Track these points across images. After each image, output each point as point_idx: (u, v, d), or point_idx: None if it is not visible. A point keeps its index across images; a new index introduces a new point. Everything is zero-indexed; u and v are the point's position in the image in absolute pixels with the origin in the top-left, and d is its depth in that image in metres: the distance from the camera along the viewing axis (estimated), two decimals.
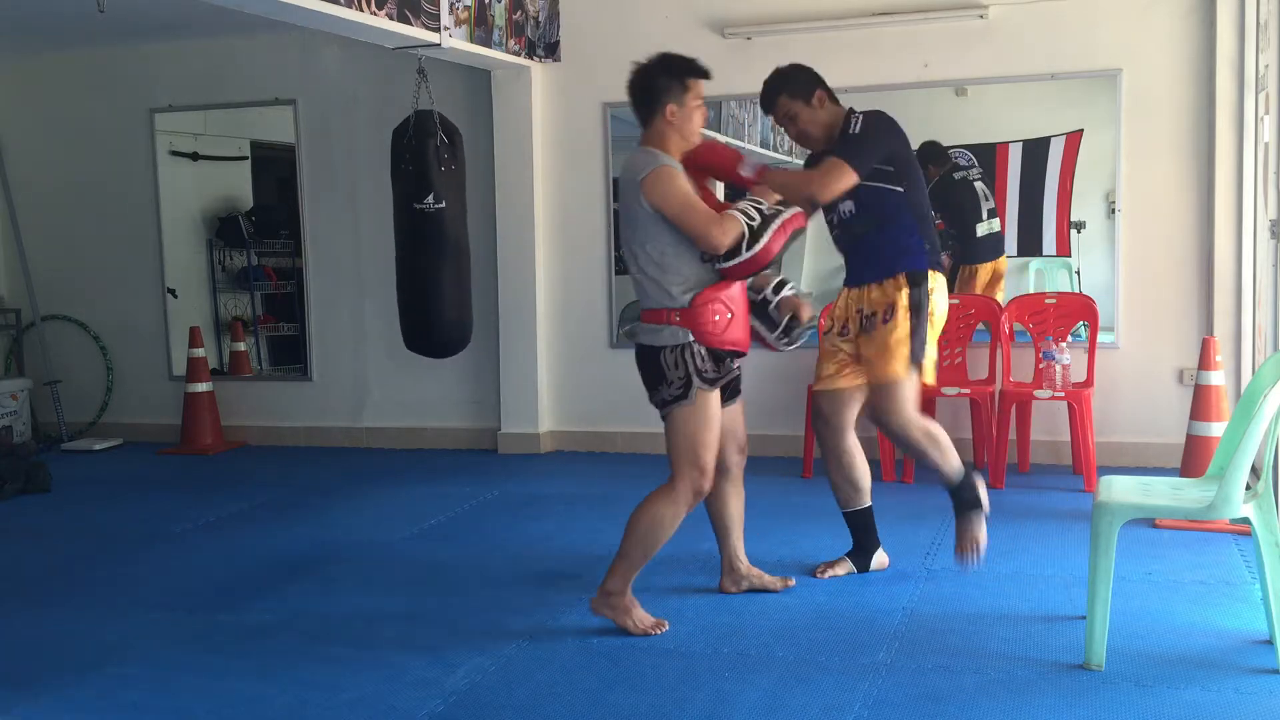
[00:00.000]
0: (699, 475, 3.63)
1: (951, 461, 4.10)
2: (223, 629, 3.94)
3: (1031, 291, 6.42)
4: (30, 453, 7.16)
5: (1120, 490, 3.47)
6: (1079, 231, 6.34)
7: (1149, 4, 5.82)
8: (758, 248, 3.53)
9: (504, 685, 3.35)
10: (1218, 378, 5.02)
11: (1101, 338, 5.84)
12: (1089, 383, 5.69)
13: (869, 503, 4.33)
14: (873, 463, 5.93)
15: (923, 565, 4.38)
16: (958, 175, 6.40)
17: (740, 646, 3.59)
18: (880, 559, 4.36)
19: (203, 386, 7.39)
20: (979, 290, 6.34)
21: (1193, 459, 4.97)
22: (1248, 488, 3.24)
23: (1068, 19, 5.92)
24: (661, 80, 3.61)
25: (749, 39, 6.29)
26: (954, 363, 6.01)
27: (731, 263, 3.55)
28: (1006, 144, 6.43)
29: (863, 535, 4.35)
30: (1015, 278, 6.59)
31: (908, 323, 4.04)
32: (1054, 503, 5.30)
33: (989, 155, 6.44)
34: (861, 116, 4.05)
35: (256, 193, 8.65)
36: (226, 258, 8.43)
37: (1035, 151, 6.37)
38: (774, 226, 3.56)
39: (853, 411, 4.24)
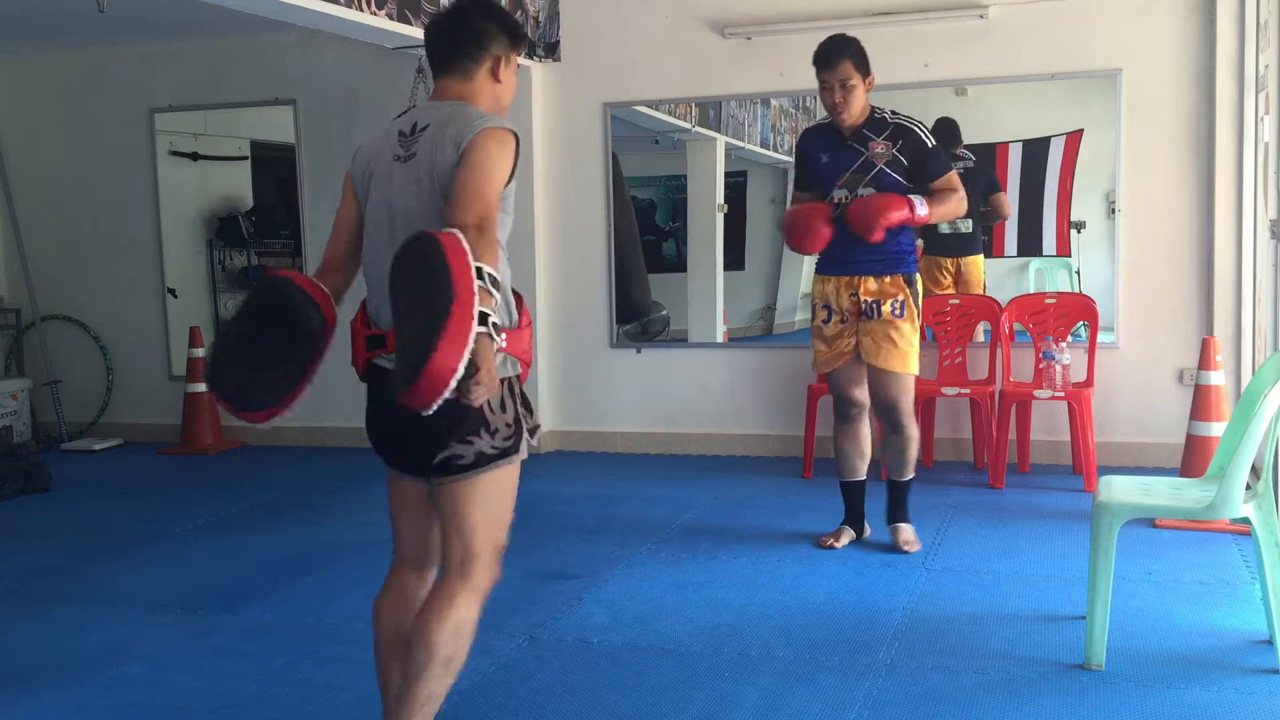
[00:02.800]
0: (498, 560, 2.64)
1: (910, 463, 4.53)
2: (223, 629, 3.94)
3: (1031, 291, 6.42)
4: (30, 453, 7.17)
5: (1120, 490, 3.47)
6: (1079, 231, 6.34)
7: (1149, 4, 5.82)
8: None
9: (504, 685, 3.35)
10: (1218, 378, 5.01)
11: (1101, 338, 5.84)
12: (1089, 383, 5.69)
13: (862, 477, 4.68)
14: (873, 463, 5.96)
15: (923, 565, 4.38)
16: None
17: (740, 646, 3.59)
18: (865, 529, 4.74)
19: (203, 386, 7.38)
20: (942, 286, 6.33)
21: (1193, 459, 4.97)
22: (1248, 488, 3.24)
23: (1068, 19, 5.92)
24: (494, 21, 2.69)
25: (749, 39, 6.29)
26: (954, 363, 6.01)
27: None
28: (1006, 144, 6.43)
29: (856, 503, 4.70)
30: (1015, 278, 6.60)
31: (917, 321, 4.38)
32: (1054, 503, 5.30)
33: (989, 155, 6.44)
34: (923, 128, 4.38)
35: (256, 193, 8.65)
36: (226, 258, 8.42)
37: (1035, 151, 6.37)
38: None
39: (864, 383, 4.50)
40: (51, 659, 3.70)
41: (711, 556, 4.57)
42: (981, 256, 6.41)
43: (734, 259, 7.36)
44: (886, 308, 4.34)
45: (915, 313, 4.38)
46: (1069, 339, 5.84)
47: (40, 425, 7.78)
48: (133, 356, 7.80)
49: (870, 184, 4.31)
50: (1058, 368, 5.55)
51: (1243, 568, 4.21)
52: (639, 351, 6.73)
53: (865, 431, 4.60)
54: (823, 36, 6.09)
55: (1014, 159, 6.42)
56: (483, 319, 2.25)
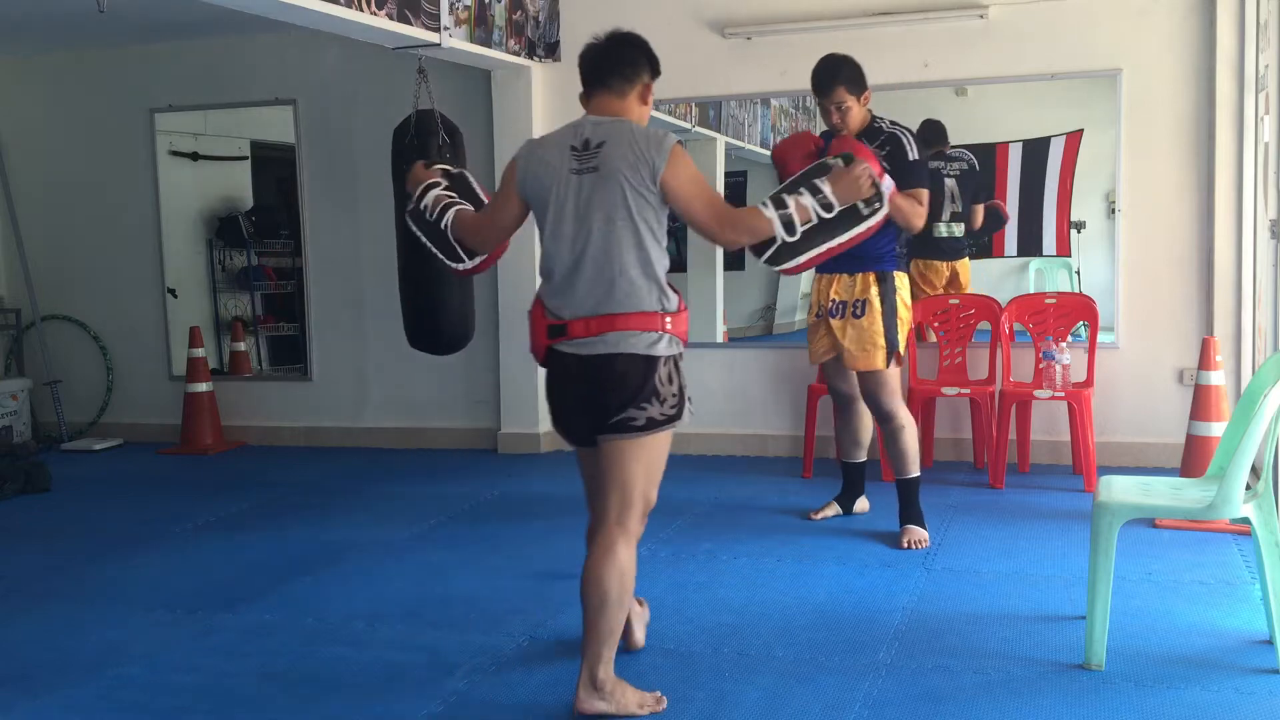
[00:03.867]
0: (647, 514, 3.18)
1: (915, 460, 4.66)
2: (223, 629, 3.94)
3: (1031, 291, 6.42)
4: (30, 453, 7.17)
5: (1120, 490, 3.47)
6: (1079, 231, 6.34)
7: (1149, 4, 5.81)
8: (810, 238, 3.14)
9: (504, 685, 3.35)
10: (1218, 378, 5.01)
11: (1101, 338, 5.84)
12: (1089, 383, 5.69)
13: (865, 459, 5.01)
14: (873, 463, 5.96)
15: (923, 565, 4.38)
16: (932, 165, 6.35)
17: (740, 646, 3.59)
18: (862, 504, 5.06)
19: (203, 386, 7.39)
20: (936, 288, 6.36)
21: (1193, 459, 4.97)
22: (1248, 488, 3.24)
23: (1068, 19, 5.92)
24: (644, 54, 3.26)
25: (749, 39, 6.29)
26: (954, 363, 6.02)
27: (770, 252, 3.17)
28: (1006, 144, 6.43)
29: (853, 483, 5.04)
30: (1015, 277, 6.60)
31: (880, 319, 4.56)
32: (1054, 503, 5.30)
33: (989, 155, 6.44)
34: (913, 139, 4.50)
35: (256, 193, 8.65)
36: (226, 258, 8.43)
37: (1035, 151, 6.37)
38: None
39: (853, 375, 4.76)
40: (51, 659, 3.70)
41: (711, 556, 4.57)
42: (968, 259, 6.47)
43: (734, 259, 7.35)
44: (849, 309, 4.61)
45: (880, 310, 4.57)
46: (1069, 339, 5.84)
47: (40, 425, 7.78)
48: (133, 356, 7.81)
49: None
50: (1058, 368, 5.54)
51: (1243, 568, 4.21)
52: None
53: (858, 420, 4.90)
54: (823, 37, 6.16)
55: (1014, 159, 6.42)
56: (826, 220, 3.15)
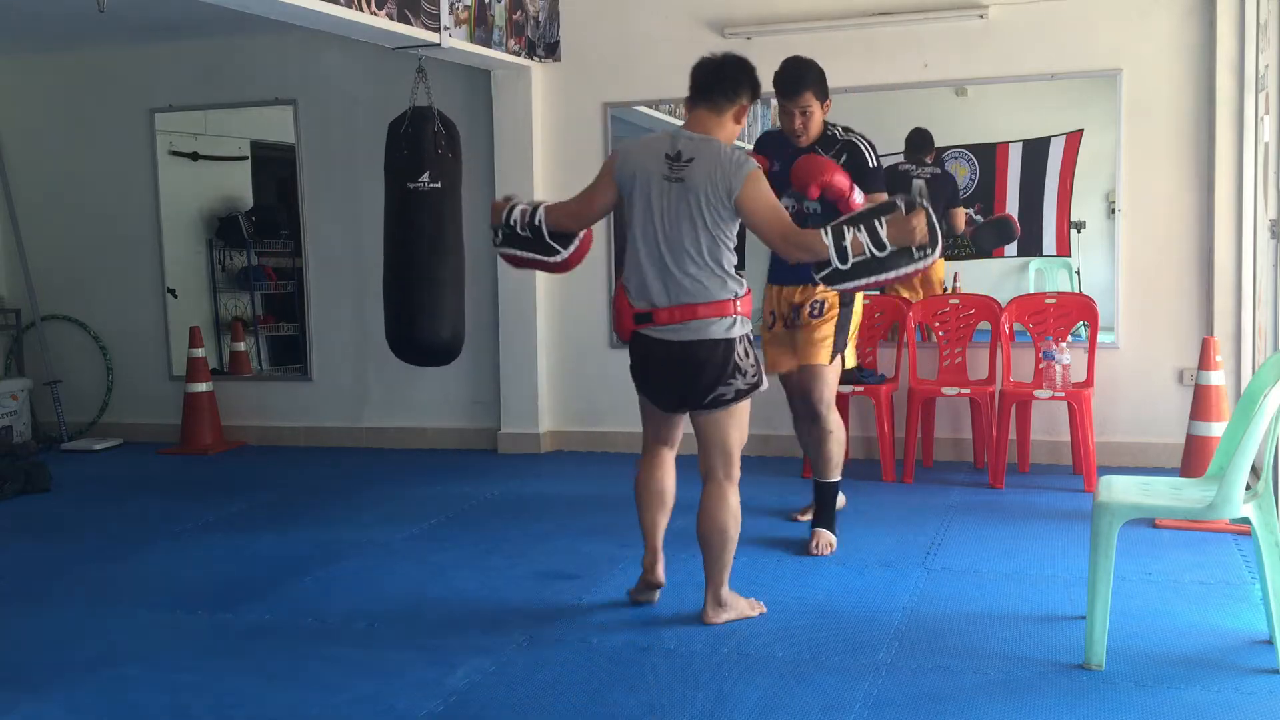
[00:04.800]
0: (740, 462, 3.75)
1: (838, 465, 4.69)
2: (223, 629, 3.94)
3: (1031, 291, 6.42)
4: (30, 453, 7.17)
5: (1120, 490, 3.47)
6: (1079, 231, 6.33)
7: (1149, 4, 5.81)
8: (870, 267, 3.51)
9: (504, 685, 3.35)
10: (1218, 378, 5.01)
11: (1101, 338, 5.84)
12: (1089, 383, 5.69)
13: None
14: (872, 463, 5.96)
15: (923, 565, 4.38)
16: (902, 168, 6.40)
17: (740, 646, 3.59)
18: (840, 500, 4.91)
19: (202, 386, 7.39)
20: (911, 290, 6.36)
21: (1193, 459, 4.97)
22: (1248, 488, 3.24)
23: (1068, 19, 5.92)
24: (746, 78, 3.68)
25: (749, 39, 6.29)
26: (954, 363, 6.02)
27: (825, 273, 3.55)
28: (1006, 144, 6.43)
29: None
30: (1015, 278, 6.59)
31: (834, 321, 4.62)
32: (1054, 503, 5.30)
33: (989, 155, 6.44)
34: (869, 145, 4.55)
35: (256, 193, 8.64)
36: (226, 258, 8.42)
37: (1035, 151, 6.37)
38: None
39: None
40: (52, 659, 3.70)
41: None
42: (942, 260, 6.47)
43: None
44: (805, 310, 4.64)
45: (838, 311, 4.61)
46: (1069, 339, 5.84)
47: (40, 425, 7.78)
48: (133, 356, 7.80)
49: (819, 198, 4.48)
50: (1058, 368, 5.54)
51: (1243, 568, 4.21)
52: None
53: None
54: (823, 37, 6.17)
55: (1014, 159, 6.42)
56: (878, 257, 3.49)
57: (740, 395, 3.63)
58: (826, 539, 4.61)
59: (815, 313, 4.62)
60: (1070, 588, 4.03)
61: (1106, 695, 3.14)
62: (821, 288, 4.54)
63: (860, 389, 5.88)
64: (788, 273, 4.60)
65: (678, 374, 3.62)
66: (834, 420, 4.66)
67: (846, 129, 4.62)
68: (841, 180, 4.33)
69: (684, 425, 3.87)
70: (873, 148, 4.57)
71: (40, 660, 3.70)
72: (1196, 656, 3.42)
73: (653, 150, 3.64)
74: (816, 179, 4.33)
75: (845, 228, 3.48)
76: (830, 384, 4.65)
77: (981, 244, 6.49)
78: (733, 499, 3.70)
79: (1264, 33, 5.30)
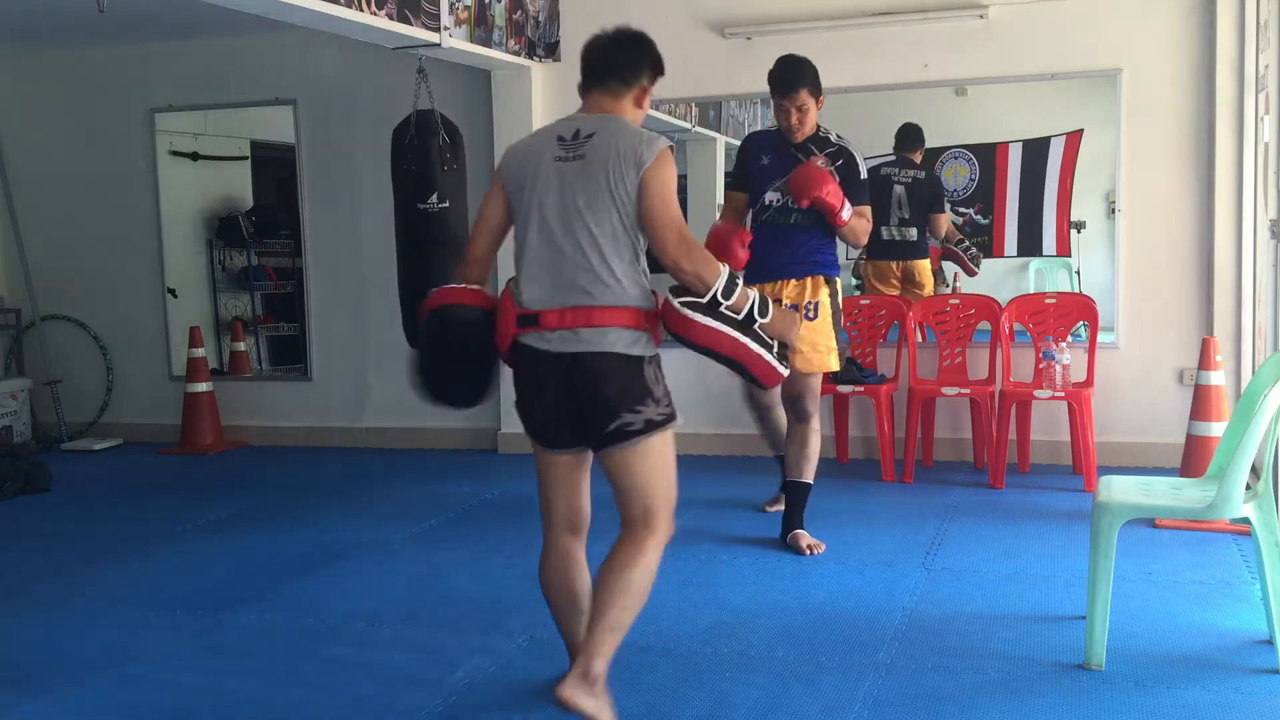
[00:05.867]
0: (673, 514, 3.01)
1: (813, 462, 4.68)
2: (223, 629, 3.94)
3: (1031, 291, 6.42)
4: (30, 453, 7.17)
5: (1120, 490, 3.47)
6: (1079, 231, 6.34)
7: (1149, 4, 5.81)
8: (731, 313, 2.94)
9: (504, 685, 3.35)
10: (1218, 378, 5.01)
11: (1101, 338, 5.83)
12: (1089, 383, 5.69)
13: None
14: (872, 463, 5.96)
15: (923, 565, 4.38)
16: (884, 172, 6.47)
17: (740, 646, 3.59)
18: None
19: (203, 386, 7.39)
20: (889, 286, 6.47)
21: (1193, 459, 4.97)
22: (1248, 488, 3.24)
23: (1068, 19, 5.91)
24: (647, 55, 3.08)
25: (749, 39, 6.29)
26: (954, 363, 6.02)
27: (700, 320, 2.92)
28: (1006, 144, 6.44)
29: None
30: (1015, 278, 6.60)
31: (830, 322, 4.61)
32: (1054, 503, 5.30)
33: (989, 155, 6.45)
34: (857, 156, 4.57)
35: (256, 193, 8.65)
36: (226, 258, 8.43)
37: (1035, 151, 6.37)
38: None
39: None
40: (52, 659, 3.70)
41: (711, 556, 4.57)
42: (927, 262, 6.56)
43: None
44: (802, 313, 4.58)
45: (830, 314, 4.61)
46: (1069, 339, 5.84)
47: (40, 425, 7.78)
48: (133, 356, 7.80)
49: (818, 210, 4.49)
50: (1058, 368, 5.54)
51: (1243, 568, 4.21)
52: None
53: (778, 415, 4.92)
54: (823, 37, 6.17)
55: (1014, 159, 6.43)
56: (749, 320, 2.95)
57: (651, 427, 2.88)
58: (808, 539, 4.60)
59: (811, 314, 4.62)
60: (1070, 588, 4.03)
61: (1106, 695, 3.14)
62: (812, 289, 4.61)
63: (860, 389, 5.88)
64: (774, 269, 4.62)
65: (568, 398, 2.87)
66: (818, 420, 4.76)
67: (839, 135, 4.66)
68: (834, 197, 4.37)
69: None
70: (859, 161, 4.59)
71: (40, 660, 3.70)
72: (1196, 656, 3.41)
73: (542, 139, 3.01)
74: (810, 192, 4.35)
75: (741, 282, 2.97)
76: (819, 387, 4.73)
77: (945, 254, 6.61)
78: (652, 557, 2.91)
79: (1264, 33, 5.30)
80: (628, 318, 2.86)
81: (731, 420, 6.59)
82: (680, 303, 2.91)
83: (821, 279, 4.61)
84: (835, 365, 4.67)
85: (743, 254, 4.33)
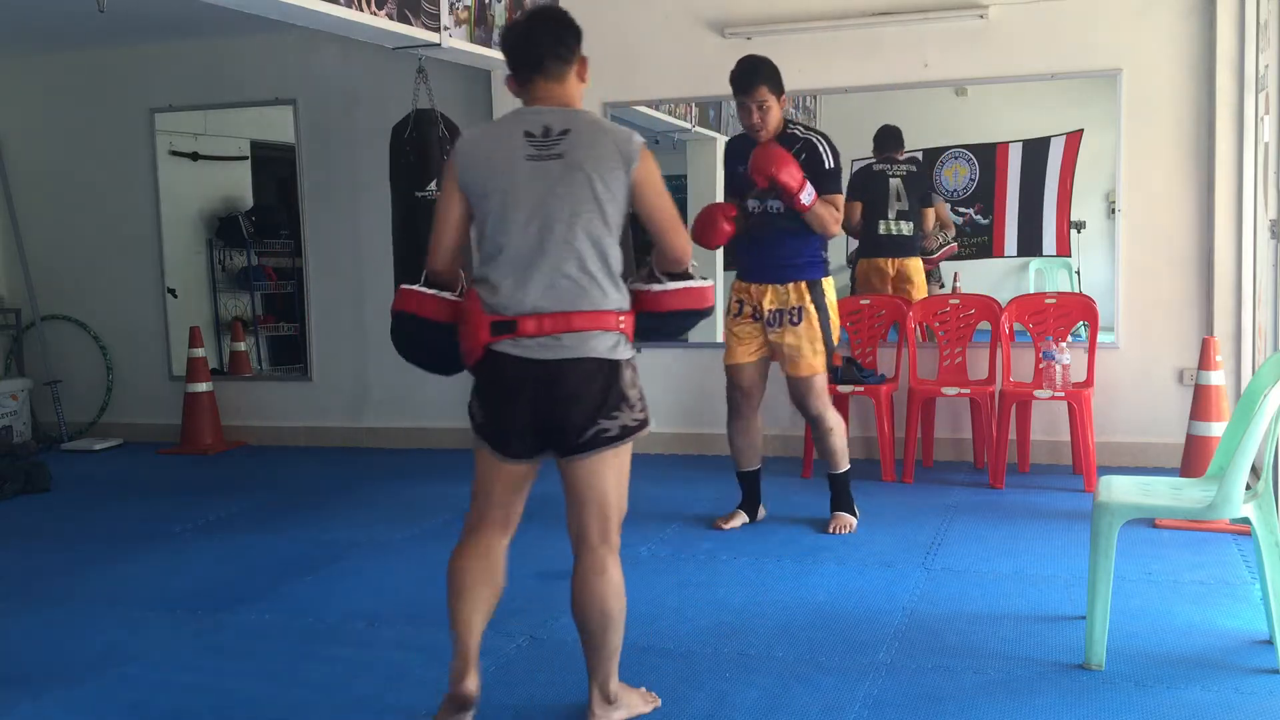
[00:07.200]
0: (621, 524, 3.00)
1: (844, 455, 4.88)
2: (223, 629, 3.94)
3: (1031, 291, 6.42)
4: (30, 453, 7.18)
5: (1120, 490, 3.47)
6: (1079, 231, 6.34)
7: (1149, 4, 5.81)
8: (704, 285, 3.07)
9: (504, 685, 3.35)
10: (1218, 378, 5.01)
11: (1101, 338, 5.83)
12: (1089, 383, 5.69)
13: (760, 465, 5.04)
14: (872, 463, 5.96)
15: (923, 565, 4.38)
16: (877, 168, 6.49)
17: (740, 646, 3.59)
18: (761, 511, 5.07)
19: (203, 386, 7.39)
20: (885, 285, 6.49)
21: (1193, 459, 4.97)
22: (1248, 488, 3.24)
23: (1067, 19, 5.91)
24: (569, 27, 2.95)
25: (749, 39, 6.29)
26: (954, 363, 6.02)
27: (674, 287, 3.00)
28: (1006, 144, 6.44)
29: (754, 490, 5.05)
30: (1015, 278, 6.60)
31: (817, 324, 4.70)
32: (1054, 503, 5.30)
33: (989, 155, 6.45)
34: (829, 145, 4.64)
35: (256, 193, 8.65)
36: (226, 258, 8.43)
37: (1035, 151, 6.37)
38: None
39: (764, 382, 4.91)
40: (52, 659, 3.70)
41: (711, 556, 4.57)
42: (920, 260, 6.59)
43: (734, 259, 7.36)
44: (786, 318, 4.71)
45: (816, 317, 4.69)
46: (1069, 339, 5.84)
47: (40, 425, 7.78)
48: (133, 356, 7.80)
49: (781, 195, 4.58)
50: (1058, 368, 5.54)
51: (1243, 568, 4.21)
52: (639, 351, 6.73)
53: (757, 425, 4.97)
54: (823, 37, 6.17)
55: (1014, 159, 6.43)
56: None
57: (626, 433, 2.86)
58: (846, 521, 4.85)
59: (795, 319, 4.70)
60: (1070, 588, 4.03)
61: (1106, 695, 3.14)
62: (795, 295, 4.69)
63: (860, 389, 5.88)
64: (757, 271, 4.75)
65: (544, 405, 2.80)
66: (832, 417, 4.85)
67: (808, 127, 4.75)
68: (790, 176, 4.44)
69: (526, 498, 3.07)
70: (833, 149, 4.66)
71: (40, 660, 3.69)
72: (1196, 656, 3.41)
73: (501, 133, 2.90)
74: (766, 170, 4.45)
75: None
76: (823, 386, 4.80)
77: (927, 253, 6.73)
78: (615, 573, 2.91)
79: (1264, 33, 5.30)
80: (603, 321, 2.81)
81: None
82: (655, 282, 2.99)
83: (804, 284, 4.70)
84: (823, 367, 4.76)
85: (728, 227, 4.56)
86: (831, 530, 4.82)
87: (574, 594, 2.93)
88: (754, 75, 4.59)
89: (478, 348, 2.83)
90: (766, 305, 4.75)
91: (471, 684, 2.93)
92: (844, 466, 4.89)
